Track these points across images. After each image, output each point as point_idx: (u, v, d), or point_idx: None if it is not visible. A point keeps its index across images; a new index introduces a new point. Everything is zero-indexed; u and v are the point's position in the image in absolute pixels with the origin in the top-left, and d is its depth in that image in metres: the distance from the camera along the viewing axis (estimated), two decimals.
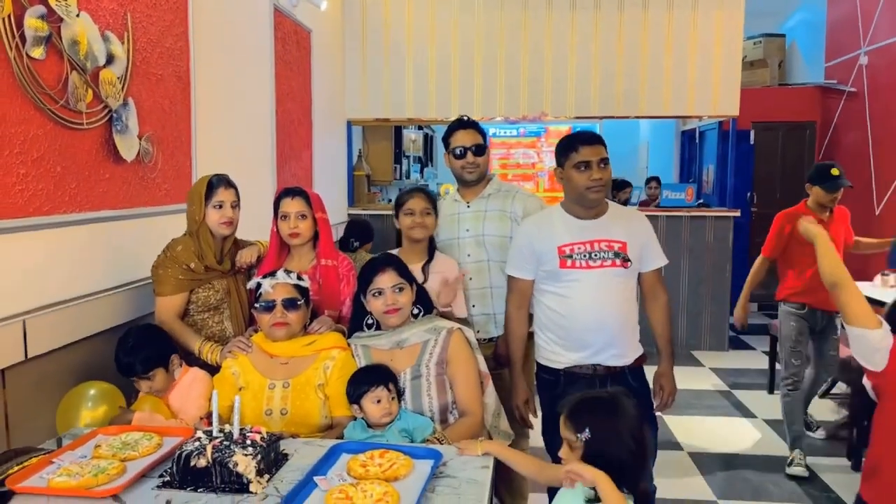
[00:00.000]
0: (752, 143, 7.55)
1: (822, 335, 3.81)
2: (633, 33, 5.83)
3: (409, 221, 2.58)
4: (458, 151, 2.69)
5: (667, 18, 5.81)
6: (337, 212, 5.65)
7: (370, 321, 2.24)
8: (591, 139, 2.34)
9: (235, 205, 2.49)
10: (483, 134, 2.74)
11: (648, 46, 5.83)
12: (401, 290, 2.17)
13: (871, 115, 6.59)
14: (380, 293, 2.16)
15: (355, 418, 2.06)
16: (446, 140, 2.74)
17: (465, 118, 2.78)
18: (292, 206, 2.48)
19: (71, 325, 2.22)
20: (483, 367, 2.27)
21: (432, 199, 2.64)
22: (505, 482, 2.71)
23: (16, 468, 1.65)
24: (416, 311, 2.24)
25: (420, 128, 8.76)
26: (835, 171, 3.63)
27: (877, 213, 6.39)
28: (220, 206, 2.43)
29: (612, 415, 1.58)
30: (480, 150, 2.69)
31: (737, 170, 6.75)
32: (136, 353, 2.16)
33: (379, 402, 1.99)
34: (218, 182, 2.45)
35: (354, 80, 5.99)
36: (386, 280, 2.16)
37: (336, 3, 5.67)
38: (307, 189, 2.58)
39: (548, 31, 5.87)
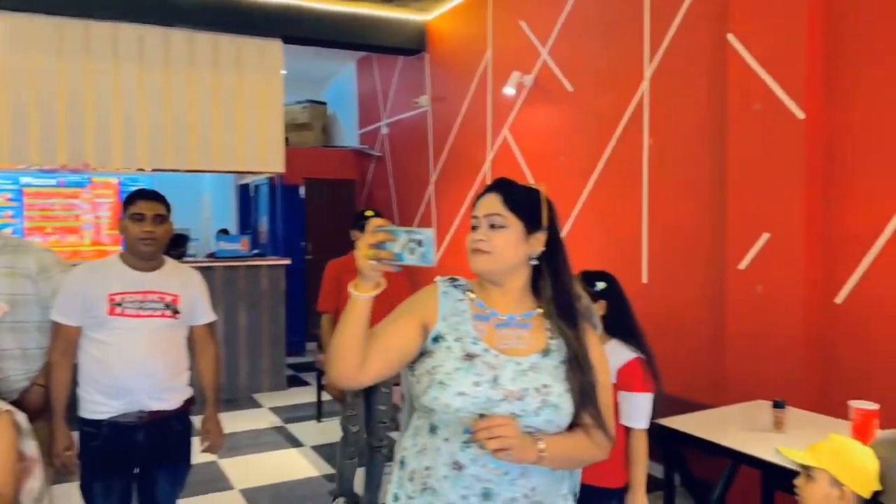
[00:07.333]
0: (302, 196, 8.16)
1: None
2: (179, 89, 5.93)
3: None
4: None
5: (211, 78, 6.03)
6: None
7: None
8: (150, 196, 2.42)
9: None
10: None
11: (196, 103, 5.99)
12: None
13: (393, 175, 7.73)
14: None
15: None
16: None
17: None
18: None
19: None
20: (32, 450, 2.06)
21: None
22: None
23: None
24: None
25: None
26: (368, 213, 3.48)
27: None
28: None
29: None
30: None
31: (289, 221, 7.93)
32: None
33: None
34: None
35: None
36: None
37: None
38: None
39: (87, 78, 5.63)
